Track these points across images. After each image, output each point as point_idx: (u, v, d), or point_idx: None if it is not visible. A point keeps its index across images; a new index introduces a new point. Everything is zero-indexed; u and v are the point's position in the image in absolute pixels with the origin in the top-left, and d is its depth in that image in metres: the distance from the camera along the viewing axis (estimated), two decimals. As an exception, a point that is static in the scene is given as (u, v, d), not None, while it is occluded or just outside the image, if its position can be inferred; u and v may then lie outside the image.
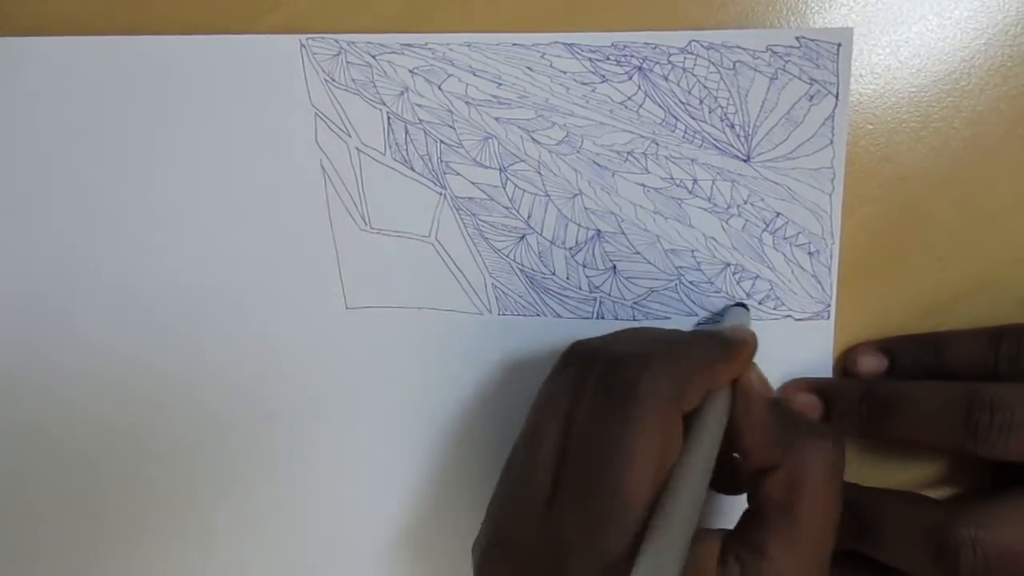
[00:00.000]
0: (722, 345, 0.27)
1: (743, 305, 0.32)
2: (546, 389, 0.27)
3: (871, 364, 0.31)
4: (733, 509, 0.27)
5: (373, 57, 0.31)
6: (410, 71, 0.31)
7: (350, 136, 0.32)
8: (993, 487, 0.28)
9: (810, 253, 0.31)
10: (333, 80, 0.32)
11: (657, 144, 0.31)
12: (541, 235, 0.32)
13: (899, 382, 0.29)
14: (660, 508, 0.23)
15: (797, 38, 0.30)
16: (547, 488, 0.25)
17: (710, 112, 0.31)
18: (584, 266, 0.32)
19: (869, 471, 0.32)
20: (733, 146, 0.31)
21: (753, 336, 0.28)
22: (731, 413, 0.26)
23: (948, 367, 0.29)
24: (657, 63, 0.31)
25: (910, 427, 0.28)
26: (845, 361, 0.31)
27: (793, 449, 0.25)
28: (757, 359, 0.32)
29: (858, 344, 0.31)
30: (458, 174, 0.32)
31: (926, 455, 0.32)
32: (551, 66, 0.31)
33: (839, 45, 0.30)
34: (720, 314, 0.32)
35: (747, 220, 0.31)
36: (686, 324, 0.32)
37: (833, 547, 0.25)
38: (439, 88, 0.31)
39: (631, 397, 0.24)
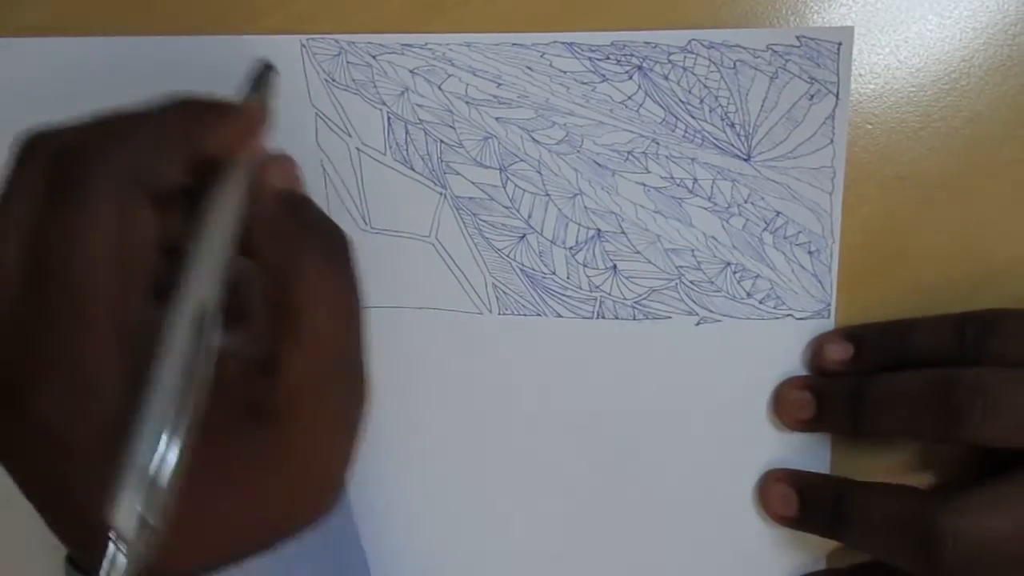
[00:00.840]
0: (200, 111, 0.24)
1: (269, 66, 0.29)
2: (1, 195, 0.23)
3: (837, 352, 0.31)
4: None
5: (373, 57, 0.31)
6: (410, 71, 0.31)
7: (350, 136, 0.32)
8: (976, 477, 0.28)
9: (810, 252, 0.31)
10: (333, 80, 0.32)
11: (657, 143, 0.31)
12: (541, 235, 0.32)
13: (884, 376, 0.29)
14: (182, 286, 0.22)
15: (797, 37, 0.30)
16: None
17: (710, 111, 0.31)
18: (584, 265, 0.32)
19: (860, 464, 0.32)
20: (733, 145, 0.31)
21: (256, 108, 0.26)
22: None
23: (914, 353, 0.29)
24: (657, 62, 0.31)
25: (897, 419, 0.28)
26: (812, 351, 0.31)
27: (284, 247, 0.24)
28: (757, 357, 0.32)
29: (824, 333, 0.31)
30: (458, 174, 0.32)
31: (911, 447, 0.32)
32: (551, 66, 0.31)
33: (839, 44, 0.30)
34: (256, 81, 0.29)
35: (747, 219, 0.31)
36: (687, 324, 0.32)
37: (357, 337, 0.25)
38: (439, 88, 0.31)
39: (71, 181, 0.22)
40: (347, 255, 0.25)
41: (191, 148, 0.23)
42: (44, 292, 0.21)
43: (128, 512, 0.19)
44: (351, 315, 0.25)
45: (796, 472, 0.31)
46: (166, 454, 0.19)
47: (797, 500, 0.31)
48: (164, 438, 0.20)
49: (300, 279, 0.23)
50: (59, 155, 0.22)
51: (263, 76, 0.28)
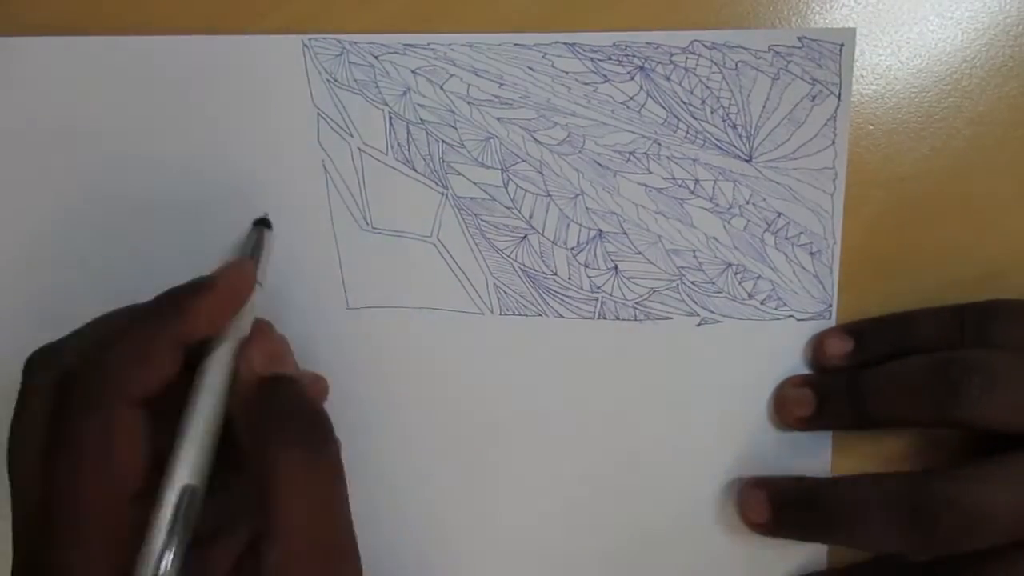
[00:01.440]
0: (171, 302, 0.25)
1: (262, 221, 0.30)
2: (14, 423, 0.25)
3: (837, 346, 0.31)
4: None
5: (375, 57, 0.31)
6: (412, 71, 0.31)
7: (352, 136, 0.32)
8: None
9: (812, 253, 0.31)
10: (335, 80, 0.32)
11: (659, 144, 0.31)
12: (543, 235, 0.32)
13: (881, 365, 0.29)
14: (169, 468, 0.23)
15: (799, 38, 0.30)
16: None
17: (712, 112, 0.31)
18: (586, 266, 0.32)
19: (860, 464, 0.32)
20: (735, 146, 0.31)
21: (236, 271, 0.26)
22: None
23: (914, 344, 0.29)
24: (659, 63, 0.31)
25: (892, 404, 0.28)
26: (812, 347, 0.31)
27: (258, 441, 0.24)
28: (758, 357, 0.32)
29: (825, 329, 0.31)
30: (460, 174, 0.32)
31: (913, 446, 0.32)
32: (553, 66, 0.31)
33: (841, 45, 0.30)
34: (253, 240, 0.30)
35: (749, 220, 0.31)
36: (688, 324, 0.32)
37: (337, 517, 0.25)
38: (441, 88, 0.31)
39: (63, 409, 0.23)
40: (325, 442, 0.25)
41: (175, 341, 0.24)
42: (42, 510, 0.23)
43: None
44: (328, 504, 0.25)
45: (765, 478, 0.31)
46: None
47: (769, 506, 0.30)
48: None
49: (274, 472, 0.23)
50: (57, 380, 0.24)
51: (258, 236, 0.29)
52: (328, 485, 0.25)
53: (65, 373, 0.24)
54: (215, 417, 0.25)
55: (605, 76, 0.31)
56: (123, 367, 0.24)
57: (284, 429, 0.24)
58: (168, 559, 0.22)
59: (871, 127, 0.31)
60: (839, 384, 0.30)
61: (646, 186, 0.31)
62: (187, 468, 0.23)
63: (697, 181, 0.31)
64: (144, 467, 0.24)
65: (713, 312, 0.32)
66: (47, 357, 0.25)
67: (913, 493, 0.27)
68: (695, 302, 0.32)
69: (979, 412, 0.26)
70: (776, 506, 0.30)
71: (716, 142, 0.31)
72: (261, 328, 0.27)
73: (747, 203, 0.31)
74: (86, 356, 0.24)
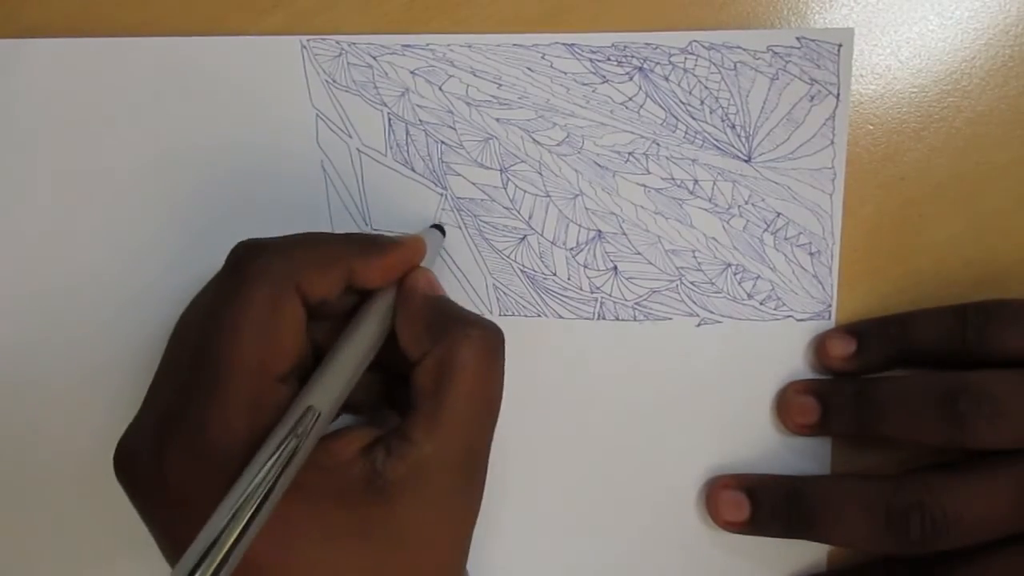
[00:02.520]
0: (365, 244, 0.26)
1: (438, 227, 0.32)
2: (199, 294, 0.27)
3: (839, 348, 0.31)
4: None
5: (374, 58, 0.31)
6: (411, 72, 0.31)
7: (351, 137, 0.32)
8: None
9: (811, 253, 0.31)
10: (334, 81, 0.32)
11: (658, 144, 0.31)
12: (542, 235, 0.32)
13: (889, 379, 0.29)
14: (304, 388, 0.24)
15: (798, 38, 0.30)
16: (171, 373, 0.26)
17: (711, 112, 0.31)
18: (585, 266, 0.32)
19: (860, 465, 0.32)
20: (734, 146, 0.31)
21: (415, 243, 0.28)
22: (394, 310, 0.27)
23: (917, 344, 0.29)
24: (658, 63, 0.31)
25: (899, 423, 0.29)
26: (814, 348, 0.31)
27: (443, 337, 0.25)
28: (758, 358, 0.32)
29: (826, 330, 0.31)
30: (459, 175, 0.32)
31: (913, 448, 0.32)
32: (552, 67, 0.31)
33: (840, 45, 0.30)
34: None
35: (748, 220, 0.31)
36: (687, 325, 0.32)
37: (490, 438, 0.26)
38: (440, 89, 0.31)
39: (239, 276, 0.25)
40: (502, 355, 0.26)
41: (346, 273, 0.26)
42: (193, 364, 0.24)
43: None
44: (491, 415, 0.26)
45: (741, 476, 0.31)
46: (235, 531, 0.21)
47: (748, 503, 0.31)
48: (236, 519, 0.21)
49: (456, 369, 0.25)
50: (240, 251, 0.26)
51: (431, 234, 0.31)
52: (497, 397, 0.26)
53: (250, 248, 0.25)
54: (367, 350, 0.26)
55: (604, 77, 0.31)
56: (306, 266, 0.25)
57: (472, 331, 0.25)
58: (270, 466, 0.22)
59: (870, 127, 0.31)
60: (845, 395, 0.30)
61: (645, 186, 0.31)
62: (323, 391, 0.24)
63: (696, 181, 0.31)
64: (296, 355, 0.25)
65: (712, 312, 0.32)
66: (250, 245, 0.26)
67: (889, 495, 0.28)
68: (694, 302, 0.32)
69: (986, 440, 0.27)
70: (756, 503, 0.31)
71: (715, 142, 0.31)
72: (426, 271, 0.28)
73: (746, 203, 0.31)
74: (278, 247, 0.25)
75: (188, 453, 0.23)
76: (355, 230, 0.33)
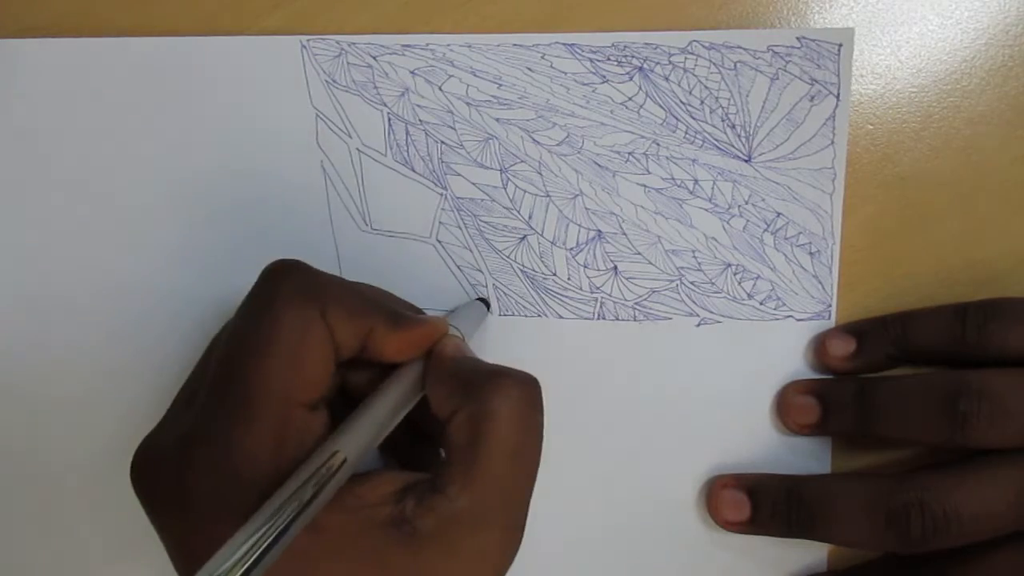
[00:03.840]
0: (393, 313, 0.26)
1: (483, 300, 0.32)
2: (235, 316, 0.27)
3: (839, 347, 0.31)
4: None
5: (374, 58, 0.31)
6: (411, 72, 0.31)
7: (351, 137, 0.32)
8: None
9: (811, 253, 0.31)
10: (334, 81, 0.32)
11: (658, 144, 0.31)
12: (542, 235, 0.32)
13: (889, 378, 0.29)
14: (335, 432, 0.24)
15: (798, 38, 0.30)
16: (198, 389, 0.25)
17: (711, 112, 0.31)
18: (585, 266, 0.32)
19: (860, 465, 0.32)
20: (734, 146, 0.31)
21: (440, 325, 0.27)
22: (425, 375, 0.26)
23: (917, 344, 0.30)
24: (658, 63, 0.31)
25: (900, 424, 0.29)
26: (815, 348, 0.31)
27: (475, 392, 0.24)
28: (758, 358, 0.32)
29: (827, 330, 0.31)
30: (459, 175, 0.32)
31: (914, 448, 0.32)
32: (551, 67, 0.31)
33: (840, 45, 0.30)
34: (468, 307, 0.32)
35: (748, 220, 0.31)
36: (687, 325, 0.32)
37: (529, 493, 0.25)
38: (440, 89, 0.31)
39: (269, 294, 0.24)
40: (539, 405, 0.25)
41: (366, 331, 0.25)
42: (220, 382, 0.24)
43: None
44: (529, 469, 0.25)
45: (742, 475, 0.31)
46: (251, 558, 0.21)
47: (748, 503, 0.31)
48: (254, 547, 0.21)
49: (491, 421, 0.24)
50: (272, 269, 0.25)
51: (474, 307, 0.31)
52: (536, 448, 0.25)
53: (286, 269, 0.25)
54: (402, 401, 0.26)
55: (604, 77, 0.31)
56: (334, 301, 0.24)
57: (506, 382, 0.24)
58: (292, 509, 0.22)
59: (870, 127, 0.31)
60: (845, 395, 0.30)
61: (645, 186, 0.31)
62: (352, 437, 0.24)
63: (696, 181, 0.31)
64: (325, 384, 0.24)
65: (712, 312, 0.32)
66: (284, 264, 0.26)
67: (889, 494, 0.28)
68: (694, 302, 0.32)
69: (987, 439, 0.27)
70: (756, 503, 0.31)
71: (715, 142, 0.31)
72: (452, 335, 0.28)
73: (746, 203, 0.31)
74: (311, 272, 0.25)
75: (212, 472, 0.23)
76: (355, 230, 0.33)
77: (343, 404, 0.26)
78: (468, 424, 0.24)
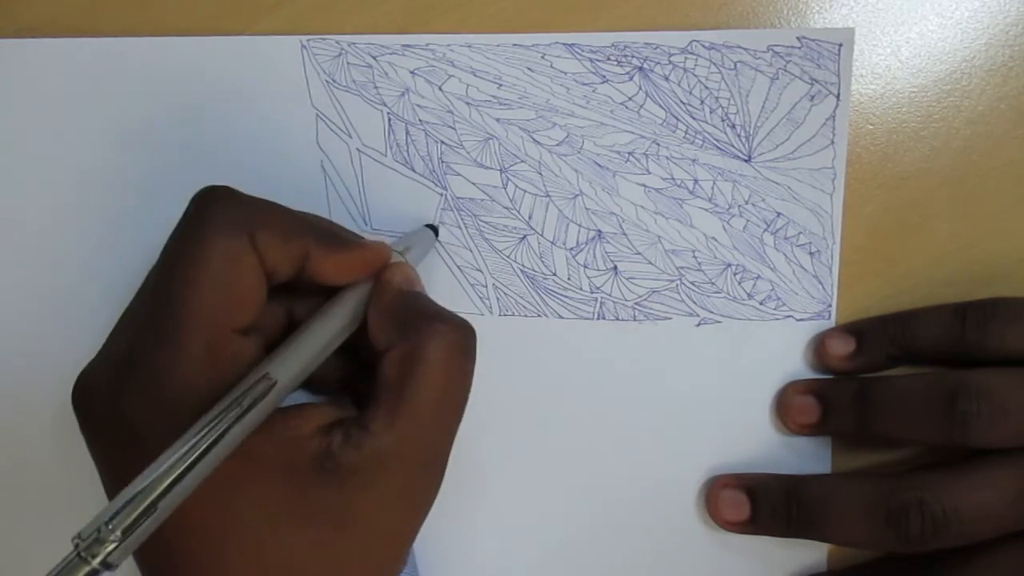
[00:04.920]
0: (327, 234, 0.26)
1: (431, 227, 0.32)
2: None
3: (839, 347, 0.31)
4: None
5: (374, 58, 0.31)
6: (411, 72, 0.31)
7: (351, 137, 0.32)
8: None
9: (811, 253, 0.31)
10: (334, 81, 0.32)
11: (658, 144, 0.31)
12: (542, 235, 0.32)
13: (889, 378, 0.30)
14: (267, 357, 0.24)
15: (798, 38, 0.30)
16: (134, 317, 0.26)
17: (711, 112, 0.31)
18: (585, 266, 0.32)
19: (860, 465, 0.32)
20: (734, 146, 0.31)
21: (380, 249, 0.27)
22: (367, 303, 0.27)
23: (917, 344, 0.30)
24: (658, 63, 0.31)
25: (899, 424, 0.29)
26: (815, 348, 0.31)
27: (411, 331, 0.25)
28: (758, 358, 0.32)
29: (826, 330, 0.31)
30: (459, 175, 0.32)
31: (914, 449, 0.32)
32: (552, 67, 0.31)
33: (840, 45, 0.30)
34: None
35: (748, 220, 0.31)
36: (687, 325, 0.32)
37: (452, 436, 0.25)
38: (440, 89, 0.31)
39: (198, 220, 0.24)
40: (471, 353, 0.26)
41: (301, 254, 0.25)
42: (152, 309, 0.24)
43: (102, 527, 0.20)
44: (454, 413, 0.25)
45: (742, 475, 0.32)
46: (170, 478, 0.21)
47: (748, 503, 0.31)
48: (173, 468, 0.21)
49: (421, 363, 0.24)
50: (201, 196, 0.25)
51: (423, 233, 0.31)
52: (463, 395, 0.26)
53: (215, 192, 0.25)
54: (337, 331, 0.26)
55: (604, 76, 0.31)
56: (264, 225, 0.24)
57: (441, 327, 0.25)
58: (216, 423, 0.22)
59: (870, 127, 0.31)
60: (845, 395, 0.30)
61: (645, 186, 0.31)
62: (285, 361, 0.24)
63: (696, 181, 0.31)
64: (257, 308, 0.24)
65: (712, 312, 0.32)
66: (212, 190, 0.25)
67: (888, 494, 0.28)
68: (694, 302, 0.32)
69: (988, 438, 0.27)
70: (756, 502, 0.31)
71: (715, 142, 0.31)
72: (400, 263, 0.28)
73: (746, 203, 0.31)
74: (240, 199, 0.25)
75: (144, 395, 0.23)
76: (355, 230, 0.33)
77: (289, 331, 0.26)
78: (399, 363, 0.24)
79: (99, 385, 0.25)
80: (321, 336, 0.25)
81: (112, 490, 0.25)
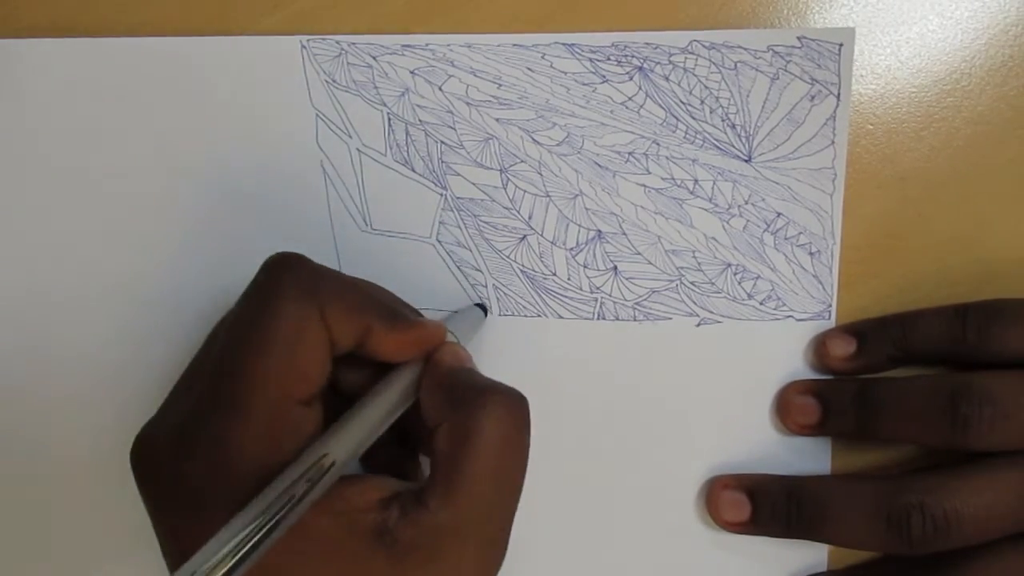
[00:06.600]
0: (391, 312, 0.26)
1: (481, 306, 0.32)
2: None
3: (840, 348, 0.31)
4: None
5: (374, 58, 0.31)
6: (411, 72, 0.31)
7: (351, 137, 0.32)
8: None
9: (811, 253, 0.31)
10: (334, 81, 0.32)
11: (658, 144, 0.31)
12: (542, 236, 0.32)
13: (889, 379, 0.30)
14: (324, 434, 0.24)
15: (799, 38, 0.30)
16: (197, 379, 0.25)
17: (711, 112, 0.31)
18: (585, 267, 0.32)
19: (860, 465, 0.32)
20: (734, 146, 0.31)
21: (438, 330, 0.27)
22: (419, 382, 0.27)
23: (917, 345, 0.29)
24: (658, 63, 0.31)
25: (900, 425, 0.29)
26: (816, 349, 0.31)
27: (463, 404, 0.24)
28: (758, 358, 0.32)
29: (827, 330, 0.31)
30: (459, 175, 0.32)
31: (914, 450, 0.32)
32: (552, 67, 0.31)
33: (840, 45, 0.30)
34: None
35: (748, 220, 0.31)
36: (687, 325, 0.32)
37: (512, 511, 0.25)
38: (440, 89, 0.31)
39: (268, 286, 0.24)
40: (526, 426, 0.25)
41: (364, 330, 0.25)
42: (217, 373, 0.24)
43: None
44: (512, 486, 0.25)
45: (742, 476, 0.32)
46: (237, 554, 0.21)
47: (748, 503, 0.31)
48: (235, 549, 0.21)
49: (474, 436, 0.24)
50: (273, 262, 0.25)
51: (472, 312, 0.31)
52: (520, 468, 0.25)
53: (286, 263, 0.25)
54: (392, 408, 0.26)
55: (604, 76, 0.31)
56: (333, 298, 0.24)
57: (495, 400, 0.24)
58: (280, 508, 0.22)
59: (871, 127, 0.31)
60: (845, 396, 0.30)
61: (645, 186, 0.31)
62: (341, 440, 0.24)
63: (696, 181, 0.31)
64: (321, 380, 0.24)
65: (712, 312, 0.32)
66: (284, 257, 0.25)
67: (889, 496, 0.28)
68: (694, 302, 0.32)
69: (989, 441, 0.27)
70: (756, 503, 0.31)
71: (715, 142, 0.31)
72: (451, 343, 0.28)
73: (746, 203, 0.31)
74: (311, 267, 0.25)
75: (207, 461, 0.23)
76: (355, 230, 0.33)
77: (334, 398, 0.26)
78: (453, 437, 0.24)
79: (161, 445, 0.24)
80: (377, 415, 0.25)
81: (168, 548, 0.24)
